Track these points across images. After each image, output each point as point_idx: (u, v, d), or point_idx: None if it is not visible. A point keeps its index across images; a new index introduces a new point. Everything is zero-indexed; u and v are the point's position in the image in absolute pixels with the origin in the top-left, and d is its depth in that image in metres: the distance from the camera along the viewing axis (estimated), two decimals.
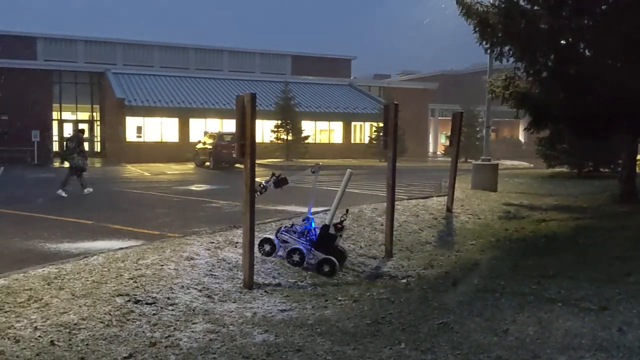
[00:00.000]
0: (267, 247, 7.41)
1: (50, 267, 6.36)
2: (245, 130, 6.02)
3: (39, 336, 4.48)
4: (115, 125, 33.58)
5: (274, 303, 5.63)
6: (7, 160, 30.04)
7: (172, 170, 26.35)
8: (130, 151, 31.70)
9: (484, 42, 11.66)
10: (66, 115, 38.13)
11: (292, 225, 7.74)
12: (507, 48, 11.74)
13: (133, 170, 26.45)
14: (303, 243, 7.33)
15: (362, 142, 38.58)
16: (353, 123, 38.97)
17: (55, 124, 36.69)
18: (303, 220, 7.72)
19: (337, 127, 38.78)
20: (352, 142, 38.90)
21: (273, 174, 7.67)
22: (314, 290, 6.23)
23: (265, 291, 6.04)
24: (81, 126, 38.63)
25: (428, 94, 44.53)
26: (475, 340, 4.43)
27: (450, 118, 13.34)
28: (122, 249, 7.56)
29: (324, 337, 4.59)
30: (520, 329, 4.63)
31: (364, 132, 39.38)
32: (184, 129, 33.95)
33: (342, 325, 4.88)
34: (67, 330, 4.60)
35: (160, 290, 5.70)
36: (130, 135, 32.84)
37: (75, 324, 4.74)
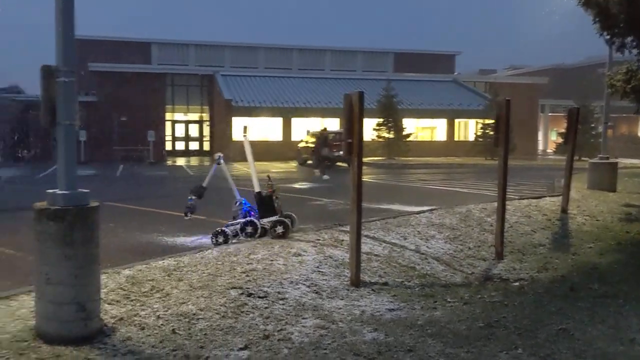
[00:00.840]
0: (220, 239, 8.13)
1: (170, 259, 6.73)
2: (353, 128, 6.04)
3: (162, 324, 4.76)
4: (222, 125, 35.01)
5: (382, 302, 5.61)
6: (125, 159, 32.25)
7: (276, 168, 27.02)
8: (237, 150, 32.90)
9: (605, 33, 10.91)
10: (178, 115, 40.28)
11: (233, 217, 8.73)
12: (629, 39, 10.91)
13: (239, 168, 27.40)
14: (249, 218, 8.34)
15: (467, 139, 37.54)
16: (457, 120, 38.01)
17: (168, 124, 38.88)
18: (235, 204, 8.84)
19: (440, 124, 38.00)
20: (456, 139, 37.95)
21: (190, 190, 8.76)
22: (422, 291, 6.13)
23: (372, 289, 6.02)
24: (191, 126, 40.73)
25: (538, 89, 42.49)
26: (600, 348, 4.16)
27: (562, 114, 12.65)
28: (233, 243, 7.86)
29: (435, 338, 4.50)
30: None
31: (468, 129, 38.30)
32: (287, 128, 34.75)
33: (453, 328, 4.76)
34: (187, 320, 4.84)
35: (271, 284, 5.86)
36: (237, 135, 34.10)
37: (194, 314, 4.99)
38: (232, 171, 25.65)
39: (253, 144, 32.84)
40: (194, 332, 4.59)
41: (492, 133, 33.85)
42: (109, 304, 5.15)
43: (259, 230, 8.11)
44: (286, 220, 8.17)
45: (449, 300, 5.73)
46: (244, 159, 31.89)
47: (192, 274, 6.16)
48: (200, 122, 41.03)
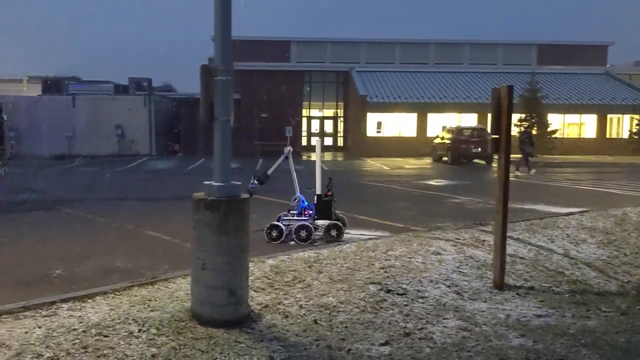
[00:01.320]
0: (274, 233, 8.30)
1: (310, 251, 6.93)
2: (501, 124, 5.78)
3: (304, 314, 4.90)
4: (357, 121, 35.35)
5: (528, 307, 5.32)
6: (265, 154, 33.70)
7: (410, 164, 26.78)
8: (370, 146, 33.09)
9: None
10: (314, 112, 41.33)
11: (289, 210, 8.75)
12: None
13: (372, 164, 27.56)
14: (305, 219, 8.48)
15: (620, 136, 34.50)
16: (609, 116, 35.06)
17: (304, 121, 40.04)
18: (294, 200, 8.85)
19: (590, 120, 35.27)
20: (607, 136, 35.02)
21: (254, 175, 8.80)
22: (572, 298, 5.73)
23: (517, 293, 5.74)
24: (326, 122, 41.61)
25: None
26: None
27: None
28: (371, 239, 7.90)
29: (589, 349, 4.19)
30: None
31: (622, 125, 35.16)
32: (421, 123, 34.26)
33: (610, 339, 4.40)
34: (328, 312, 4.95)
35: (410, 282, 5.81)
36: (371, 131, 34.24)
37: (334, 307, 5.08)
38: (365, 167, 25.97)
39: (387, 140, 32.68)
40: (335, 324, 4.68)
41: None
42: (255, 291, 5.41)
43: (312, 237, 8.32)
44: (339, 223, 8.56)
45: (603, 309, 5.30)
46: (377, 154, 31.90)
47: (332, 266, 6.28)
48: (334, 118, 41.78)
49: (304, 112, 40.05)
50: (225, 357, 3.99)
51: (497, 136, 5.83)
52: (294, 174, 9.01)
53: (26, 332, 4.32)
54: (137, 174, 22.28)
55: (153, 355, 3.95)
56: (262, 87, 35.78)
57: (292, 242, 8.27)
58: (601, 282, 6.51)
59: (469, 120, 33.40)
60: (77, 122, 31.94)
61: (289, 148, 9.03)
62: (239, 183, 4.80)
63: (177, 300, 5.16)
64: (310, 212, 8.68)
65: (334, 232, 8.37)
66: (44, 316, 4.71)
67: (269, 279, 5.84)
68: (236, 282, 4.68)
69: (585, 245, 7.82)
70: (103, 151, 30.97)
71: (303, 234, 8.29)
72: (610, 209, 9.92)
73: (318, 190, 8.74)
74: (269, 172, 8.74)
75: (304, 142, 38.74)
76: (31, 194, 15.00)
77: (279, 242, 8.27)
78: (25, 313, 4.75)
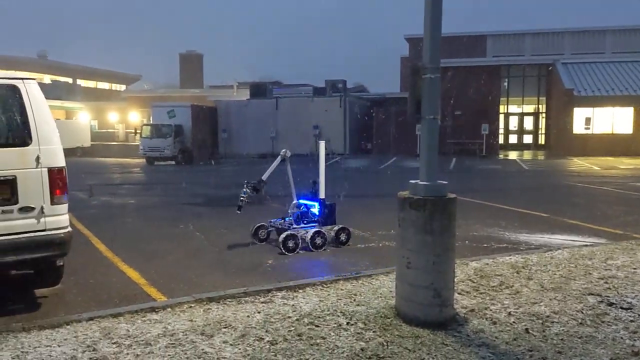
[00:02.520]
0: (290, 243, 7.54)
1: (516, 256, 6.56)
2: None
3: (513, 322, 4.64)
4: (561, 117, 32.76)
5: None
6: (458, 152, 32.89)
7: (625, 164, 24.09)
8: (576, 144, 30.44)
9: None
10: (512, 108, 39.24)
11: (283, 218, 8.35)
12: None
13: (580, 163, 25.34)
14: (312, 226, 7.95)
15: None
16: None
17: (501, 117, 38.23)
18: (293, 205, 8.27)
19: None
20: None
21: (246, 182, 8.11)
22: None
23: None
24: (525, 118, 39.30)
25: None
26: None
27: None
28: (585, 246, 7.24)
29: None
30: None
31: None
32: (638, 118, 30.59)
33: None
34: (540, 321, 4.63)
35: (636, 295, 5.19)
36: (578, 127, 31.49)
37: (547, 317, 4.74)
38: (571, 167, 23.96)
39: (596, 137, 29.80)
40: (549, 335, 4.35)
41: None
42: (458, 293, 5.27)
43: (327, 243, 7.83)
44: (347, 227, 8.17)
45: None
46: (584, 153, 29.28)
47: (542, 273, 5.88)
48: (535, 114, 39.23)
49: (501, 109, 38.24)
50: (432, 358, 3.94)
51: None
52: (291, 179, 8.45)
53: (248, 316, 4.72)
54: (332, 173, 23.27)
55: (362, 349, 4.05)
56: (456, 83, 34.95)
57: (302, 251, 7.60)
58: None
59: None
60: (279, 123, 34.33)
61: (284, 150, 8.43)
62: (446, 182, 4.70)
63: (381, 297, 5.24)
64: (306, 216, 8.12)
65: (343, 237, 8.02)
66: (262, 302, 5.10)
67: (474, 282, 5.66)
68: (441, 283, 4.60)
69: None
70: (301, 150, 32.86)
71: (319, 240, 7.75)
72: None
73: (322, 195, 8.09)
74: (264, 177, 8.10)
75: (501, 140, 37.01)
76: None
77: (294, 253, 7.54)
78: (246, 298, 5.20)
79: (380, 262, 7.03)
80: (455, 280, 5.52)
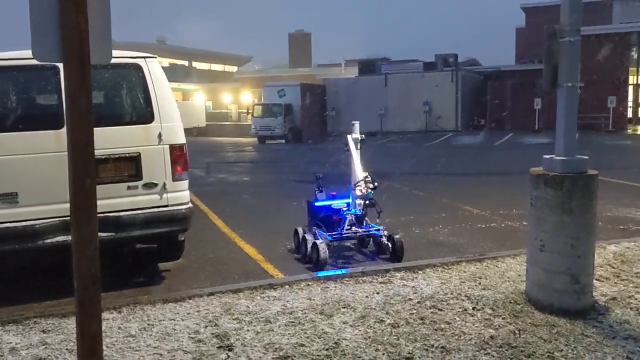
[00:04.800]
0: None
1: None
2: None
3: None
4: None
5: None
6: (582, 127, 30.68)
7: None
8: None
9: None
10: None
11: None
12: None
13: None
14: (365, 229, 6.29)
15: None
16: None
17: (630, 89, 35.12)
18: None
19: None
20: None
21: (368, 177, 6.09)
22: None
23: None
24: None
25: None
26: None
27: None
28: None
29: None
30: None
31: None
32: None
33: None
34: None
35: None
36: None
37: None
38: None
39: None
40: None
41: None
42: (597, 280, 4.79)
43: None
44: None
45: None
46: None
47: None
48: None
49: (630, 80, 35.12)
50: (572, 350, 3.58)
51: None
52: (357, 165, 6.29)
53: (367, 297, 4.57)
54: (445, 149, 22.55)
55: (491, 337, 3.76)
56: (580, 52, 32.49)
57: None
58: None
59: None
60: (388, 100, 33.83)
61: (355, 134, 6.53)
62: (586, 157, 4.23)
63: (508, 281, 4.88)
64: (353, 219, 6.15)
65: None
66: (380, 283, 4.93)
67: (614, 267, 5.13)
68: (579, 268, 4.17)
69: None
70: (411, 127, 32.22)
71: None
72: None
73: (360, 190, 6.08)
74: (363, 176, 6.05)
75: (630, 113, 34.11)
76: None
77: None
78: (364, 278, 5.05)
79: (504, 244, 6.62)
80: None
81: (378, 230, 6.11)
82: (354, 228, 6.06)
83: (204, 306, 4.44)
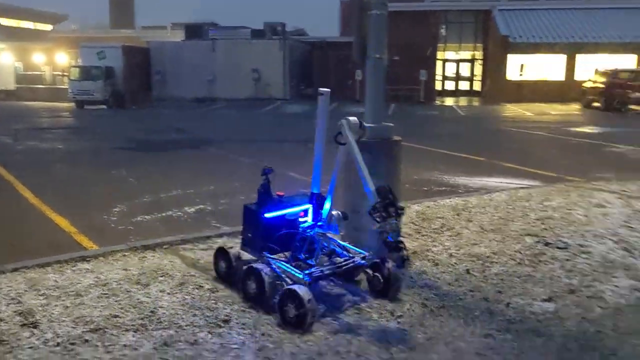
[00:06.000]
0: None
1: (456, 198, 6.62)
2: None
3: (455, 263, 4.68)
4: (496, 64, 33.33)
5: None
6: (396, 98, 33.07)
7: (556, 110, 24.86)
8: (510, 90, 31.14)
9: None
10: (449, 54, 39.57)
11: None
12: None
13: (514, 109, 25.97)
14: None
15: None
16: None
17: (439, 64, 38.50)
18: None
19: None
20: None
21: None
22: None
23: None
24: (462, 65, 39.71)
25: None
26: None
27: None
28: (522, 188, 7.39)
29: None
30: None
31: None
32: (570, 66, 31.51)
33: None
34: (481, 262, 4.68)
35: (571, 235, 5.33)
36: (511, 74, 32.16)
37: (487, 257, 4.80)
38: (505, 113, 24.55)
39: (530, 84, 30.48)
40: (489, 276, 4.41)
41: None
42: (401, 236, 5.24)
43: None
44: None
45: None
46: (518, 100, 30.00)
47: (482, 215, 5.95)
48: (472, 61, 39.73)
49: (439, 55, 38.47)
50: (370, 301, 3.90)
51: None
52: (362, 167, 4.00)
53: (187, 264, 4.53)
54: (274, 117, 22.90)
55: None
56: (394, 29, 34.70)
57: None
58: None
59: (626, 62, 30.14)
60: (216, 66, 33.22)
61: (348, 120, 4.05)
62: (391, 124, 4.58)
63: None
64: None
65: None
66: (202, 249, 4.91)
67: (416, 224, 5.66)
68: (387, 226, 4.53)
69: None
70: (240, 94, 32.09)
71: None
72: None
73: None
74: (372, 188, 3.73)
75: (439, 86, 37.41)
76: (178, 134, 15.92)
77: None
78: (185, 246, 4.99)
79: None
80: None
81: (364, 257, 4.00)
82: (333, 257, 3.95)
83: (7, 283, 4.07)
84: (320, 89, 4.12)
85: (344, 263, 3.90)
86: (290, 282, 3.61)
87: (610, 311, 3.79)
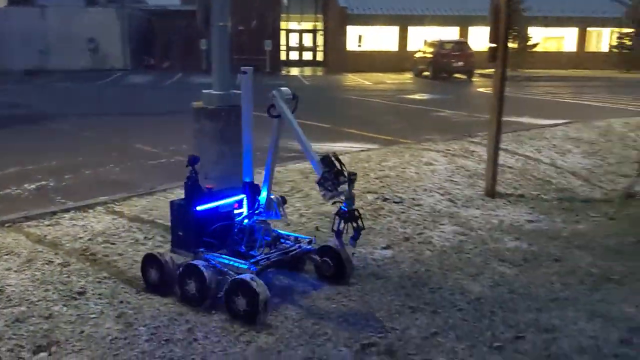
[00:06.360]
0: None
1: (304, 163, 6.96)
2: (498, 33, 5.73)
3: (305, 222, 5.02)
4: (336, 34, 34.55)
5: (520, 213, 5.51)
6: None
7: (391, 79, 26.55)
8: (350, 60, 32.55)
9: None
10: (292, 25, 40.19)
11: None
12: None
13: (354, 79, 27.25)
14: None
15: (599, 50, 34.50)
16: (589, 29, 34.81)
17: (283, 34, 38.95)
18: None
19: (570, 33, 35.01)
20: (586, 50, 34.95)
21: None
22: (560, 204, 5.94)
23: (508, 201, 5.92)
24: (305, 35, 40.55)
25: None
26: None
27: None
28: (363, 151, 7.96)
29: (582, 250, 4.40)
30: None
31: (602, 39, 35.06)
32: (403, 37, 33.65)
33: (601, 241, 4.61)
34: (328, 219, 5.05)
35: (405, 191, 5.93)
36: (351, 45, 33.59)
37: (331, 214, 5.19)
38: (346, 82, 25.70)
39: (368, 54, 31.96)
40: None
41: (630, 43, 30.84)
42: None
43: None
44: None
45: (591, 215, 5.52)
46: (358, 69, 31.36)
47: None
48: (314, 32, 40.73)
49: (282, 25, 38.88)
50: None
51: (494, 45, 5.79)
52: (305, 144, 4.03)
53: (33, 241, 4.36)
54: (115, 89, 21.75)
55: None
56: None
57: None
58: (586, 190, 6.74)
59: (451, 33, 32.90)
60: (49, 35, 30.60)
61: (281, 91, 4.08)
62: (239, 92, 4.72)
63: None
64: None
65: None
66: (47, 225, 4.73)
67: None
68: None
69: (571, 155, 8.02)
70: (77, 65, 29.91)
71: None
72: (595, 121, 10.10)
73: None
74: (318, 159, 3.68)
75: (283, 56, 37.94)
76: (12, 109, 14.56)
77: None
78: (29, 223, 4.77)
79: (172, 177, 6.93)
80: None
81: (310, 242, 3.87)
82: (278, 244, 3.77)
83: None
84: (243, 67, 3.92)
85: (290, 249, 3.72)
86: (235, 275, 3.31)
87: (437, 253, 4.36)
